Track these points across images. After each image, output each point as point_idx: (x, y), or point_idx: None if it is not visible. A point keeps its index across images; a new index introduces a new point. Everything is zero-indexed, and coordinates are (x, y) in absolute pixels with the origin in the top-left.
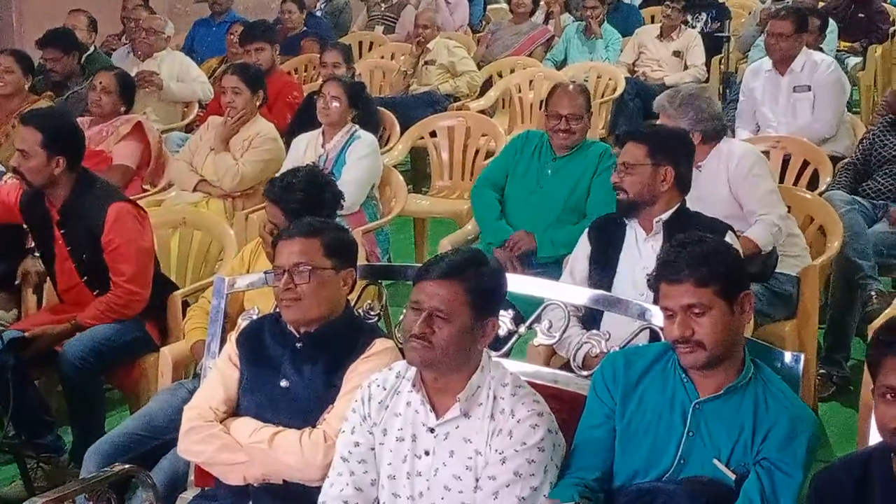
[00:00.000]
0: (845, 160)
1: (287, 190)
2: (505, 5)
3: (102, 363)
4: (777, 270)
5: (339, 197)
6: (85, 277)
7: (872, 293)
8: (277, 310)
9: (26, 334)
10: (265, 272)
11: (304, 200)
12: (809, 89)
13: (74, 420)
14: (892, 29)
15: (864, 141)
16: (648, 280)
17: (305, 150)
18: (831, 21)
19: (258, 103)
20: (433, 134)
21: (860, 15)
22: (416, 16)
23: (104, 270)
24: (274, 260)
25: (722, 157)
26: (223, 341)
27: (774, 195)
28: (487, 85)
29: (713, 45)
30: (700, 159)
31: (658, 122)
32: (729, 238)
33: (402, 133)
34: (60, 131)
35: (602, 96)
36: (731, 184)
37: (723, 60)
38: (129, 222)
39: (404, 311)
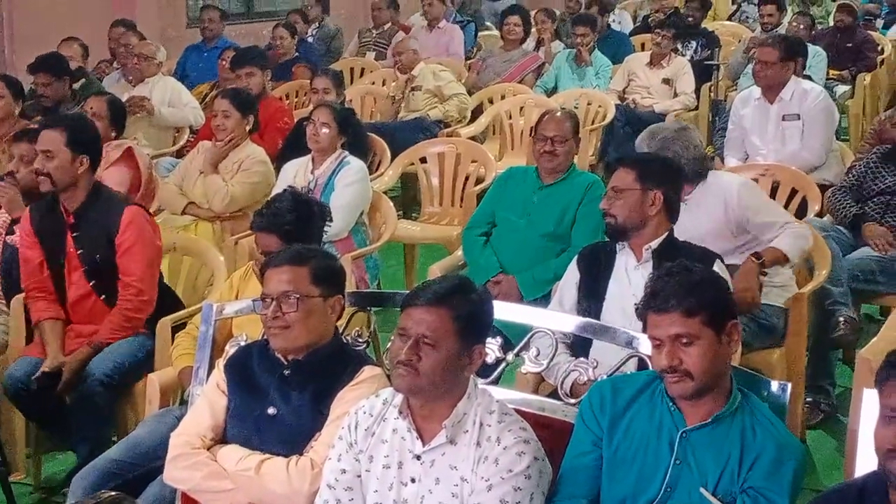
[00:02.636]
0: (838, 185)
1: (277, 215)
2: (496, 32)
3: (125, 380)
4: (769, 303)
5: (325, 209)
6: (93, 281)
7: (841, 319)
8: (265, 337)
9: (49, 369)
10: (253, 300)
11: (296, 220)
12: (799, 118)
13: (86, 441)
14: (879, 57)
15: (856, 168)
16: (637, 309)
17: (295, 176)
18: (820, 50)
19: (248, 128)
20: (423, 160)
21: (848, 44)
22: (393, 44)
23: (113, 274)
24: (262, 288)
25: (711, 190)
26: (211, 368)
27: (782, 209)
28: (478, 111)
29: (703, 72)
30: (684, 196)
31: None
32: (717, 268)
33: (392, 159)
34: (83, 131)
35: (592, 123)
36: (734, 215)
37: (712, 88)
38: (143, 224)
39: (392, 337)
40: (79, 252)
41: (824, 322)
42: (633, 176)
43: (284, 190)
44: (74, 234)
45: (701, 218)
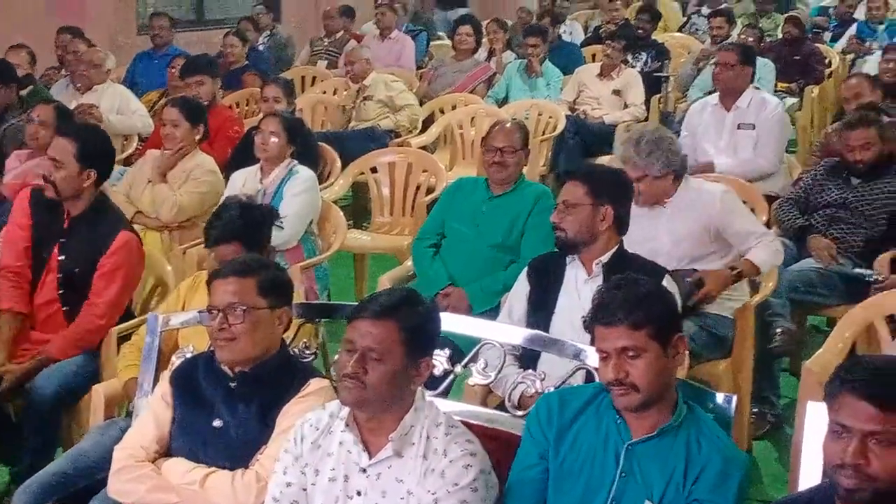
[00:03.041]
0: (785, 197)
1: (228, 224)
2: (448, 42)
3: (72, 394)
4: (715, 312)
5: (272, 211)
6: (63, 291)
7: (778, 330)
8: (212, 348)
9: None
10: (199, 311)
11: (248, 224)
12: (754, 128)
13: (29, 452)
14: (827, 70)
15: (803, 180)
16: (584, 322)
17: (243, 185)
18: (769, 61)
19: (198, 137)
20: (374, 169)
21: (796, 56)
22: (346, 53)
23: (85, 291)
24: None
25: (692, 196)
26: (156, 380)
27: (756, 220)
28: (429, 121)
29: (652, 84)
30: (668, 196)
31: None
32: (665, 282)
33: (343, 168)
34: (94, 145)
35: (543, 134)
36: (714, 221)
37: (661, 100)
38: (132, 253)
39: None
40: (60, 258)
41: (765, 333)
42: (584, 190)
43: (228, 199)
44: (62, 241)
45: (680, 222)
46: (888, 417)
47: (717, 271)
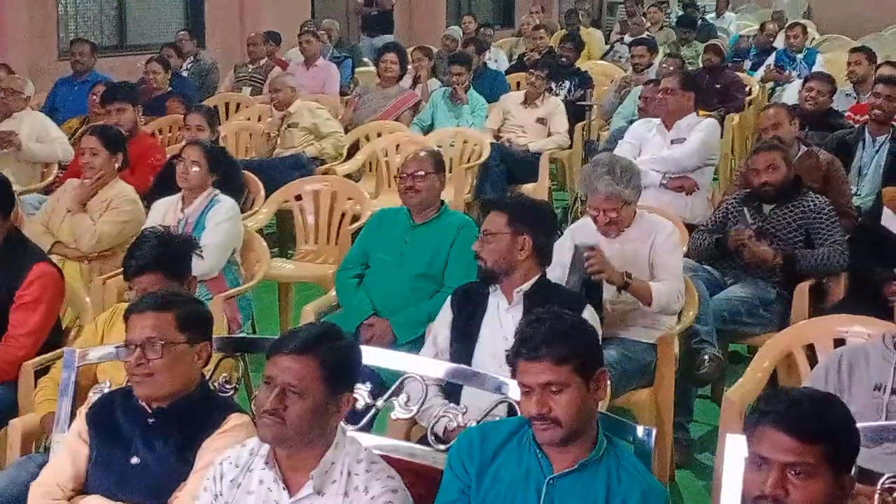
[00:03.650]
0: (700, 228)
1: (149, 253)
2: (373, 69)
3: None
4: (639, 340)
5: (191, 239)
6: None
7: (706, 357)
8: (130, 383)
9: None
10: (116, 346)
11: (167, 253)
12: (685, 140)
13: None
14: (748, 98)
15: (720, 210)
16: (507, 356)
17: (164, 215)
18: None
19: (117, 165)
20: (299, 197)
21: (716, 85)
22: (271, 80)
23: (3, 324)
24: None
25: (645, 227)
26: (73, 415)
27: (682, 271)
28: (354, 148)
29: (576, 112)
30: (628, 223)
31: (604, 204)
32: (588, 313)
33: (267, 196)
34: None
35: (468, 161)
36: (653, 251)
37: (585, 127)
38: (49, 284)
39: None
40: None
41: (690, 359)
42: (504, 220)
43: (146, 230)
44: None
45: (631, 251)
46: (807, 449)
47: (613, 266)
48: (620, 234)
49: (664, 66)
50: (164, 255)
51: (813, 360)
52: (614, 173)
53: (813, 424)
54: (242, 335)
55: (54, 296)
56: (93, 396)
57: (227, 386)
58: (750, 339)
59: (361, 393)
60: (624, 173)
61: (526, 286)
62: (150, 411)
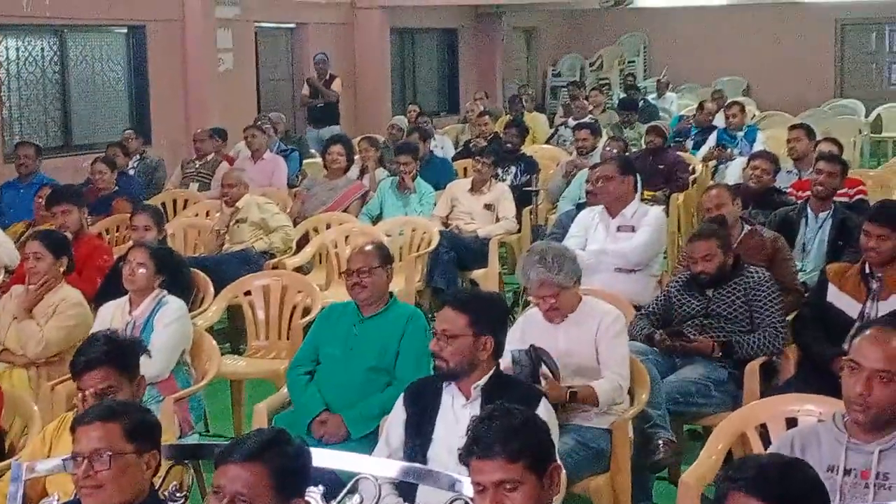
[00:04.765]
0: (642, 311)
1: (96, 351)
2: (320, 160)
3: None
4: (592, 426)
5: (138, 342)
6: None
7: (660, 442)
8: (78, 496)
9: None
10: (63, 459)
11: (115, 350)
12: (633, 230)
13: None
14: (691, 177)
15: (663, 295)
16: (459, 454)
17: (112, 317)
18: None
19: (62, 269)
20: (249, 293)
21: (660, 165)
22: (223, 176)
23: None
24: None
25: (589, 312)
26: None
27: (627, 359)
28: (304, 241)
29: (523, 196)
30: (574, 306)
31: (540, 291)
32: (542, 407)
33: (216, 293)
34: None
35: (417, 249)
36: (597, 339)
37: (532, 212)
38: None
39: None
40: None
41: (645, 443)
42: (466, 321)
43: (91, 335)
44: None
45: (575, 336)
46: None
47: (555, 385)
48: (565, 320)
49: (607, 149)
50: (113, 352)
51: (766, 440)
52: (545, 261)
53: (781, 489)
54: (195, 437)
55: None
56: None
57: (178, 494)
58: (704, 420)
59: (314, 496)
60: (555, 260)
61: (482, 381)
62: None
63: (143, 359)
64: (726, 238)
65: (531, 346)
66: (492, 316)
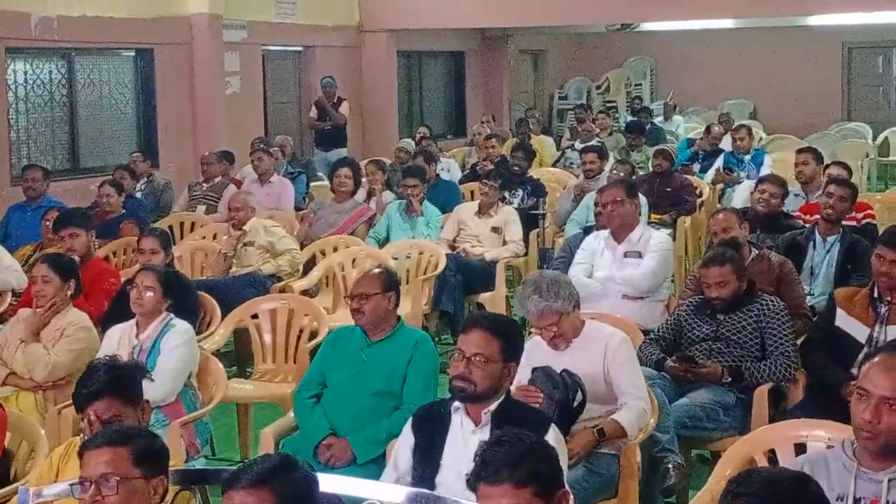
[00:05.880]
0: (649, 337)
1: (98, 380)
2: (327, 183)
3: None
4: (601, 451)
5: (140, 366)
6: None
7: (670, 466)
8: None
9: None
10: (71, 483)
11: (117, 378)
12: (640, 255)
13: None
14: (698, 200)
15: (672, 319)
16: (468, 480)
17: (119, 341)
18: (641, 196)
19: (70, 293)
20: (255, 316)
21: (667, 188)
22: (230, 199)
23: None
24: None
25: (594, 337)
26: None
27: (642, 379)
28: (311, 264)
29: (530, 219)
30: (578, 331)
31: (540, 321)
32: (552, 433)
33: (223, 317)
34: None
35: (424, 272)
36: (607, 364)
37: (540, 235)
38: None
39: None
40: None
41: (653, 468)
42: (498, 347)
43: (91, 363)
44: None
45: (581, 362)
46: None
47: (581, 433)
48: (570, 346)
49: (614, 172)
50: (115, 380)
51: (775, 465)
52: (541, 290)
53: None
54: (202, 461)
55: None
56: None
57: None
58: (712, 444)
59: None
60: (550, 287)
61: (493, 406)
62: None
63: (148, 382)
64: (741, 263)
65: (564, 370)
66: (518, 344)
